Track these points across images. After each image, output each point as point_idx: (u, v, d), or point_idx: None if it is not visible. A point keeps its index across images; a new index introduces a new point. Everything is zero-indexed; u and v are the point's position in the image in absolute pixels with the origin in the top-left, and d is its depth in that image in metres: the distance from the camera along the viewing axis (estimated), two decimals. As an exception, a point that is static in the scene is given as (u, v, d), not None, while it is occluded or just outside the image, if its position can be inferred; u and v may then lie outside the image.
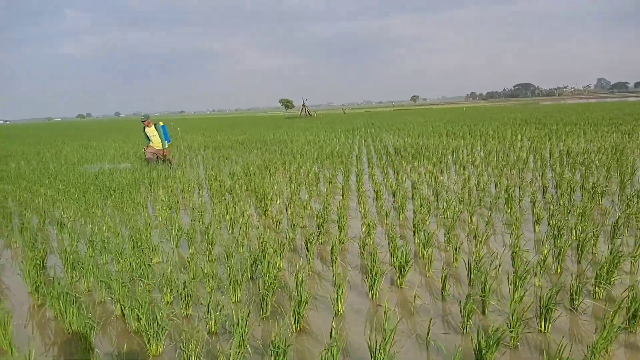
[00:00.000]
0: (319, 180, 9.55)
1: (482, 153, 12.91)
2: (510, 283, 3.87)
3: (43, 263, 5.14)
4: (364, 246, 5.17)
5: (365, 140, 18.84)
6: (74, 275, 4.80)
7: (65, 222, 6.70)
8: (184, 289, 3.85)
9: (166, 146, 12.90)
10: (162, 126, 12.87)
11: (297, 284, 3.86)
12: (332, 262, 4.76)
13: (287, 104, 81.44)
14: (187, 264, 4.73)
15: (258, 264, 4.63)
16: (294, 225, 5.92)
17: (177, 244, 5.81)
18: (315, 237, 5.26)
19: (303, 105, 65.74)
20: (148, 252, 5.28)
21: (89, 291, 4.53)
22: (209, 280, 4.31)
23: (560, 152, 12.10)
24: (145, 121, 12.66)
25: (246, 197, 8.49)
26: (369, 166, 11.43)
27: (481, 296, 3.64)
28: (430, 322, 3.37)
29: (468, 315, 3.37)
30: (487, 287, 3.64)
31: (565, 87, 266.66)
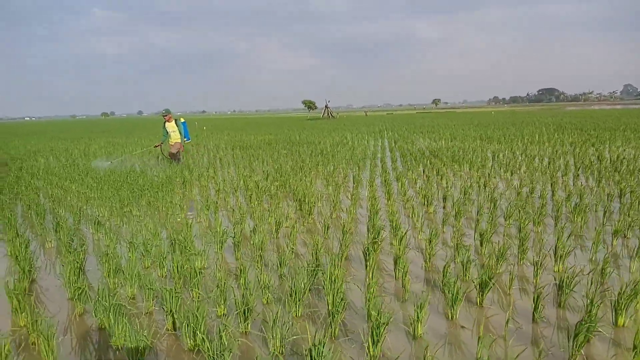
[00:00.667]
0: (358, 182, 9.10)
1: (524, 157, 12.30)
2: (612, 305, 3.38)
3: (82, 266, 4.79)
4: (429, 257, 4.71)
5: (396, 142, 18.31)
6: (116, 281, 4.44)
7: (102, 222, 6.38)
8: (243, 303, 3.45)
9: (185, 142, 12.89)
10: (183, 122, 12.82)
11: (367, 300, 3.43)
12: (398, 276, 4.32)
13: (309, 105, 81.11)
14: (239, 272, 4.32)
15: (315, 274, 4.21)
16: (346, 231, 5.49)
17: (221, 247, 5.43)
18: (372, 246, 4.81)
19: (326, 106, 65.40)
20: (193, 257, 4.90)
21: (132, 299, 4.17)
22: (264, 291, 3.90)
23: (610, 158, 11.44)
24: (166, 116, 12.60)
25: (284, 198, 8.09)
26: (408, 169, 10.94)
27: (587, 322, 3.16)
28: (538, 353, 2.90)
29: (579, 346, 2.89)
30: (593, 311, 3.16)
31: (590, 93, 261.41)
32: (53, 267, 5.13)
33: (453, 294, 3.54)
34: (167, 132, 12.77)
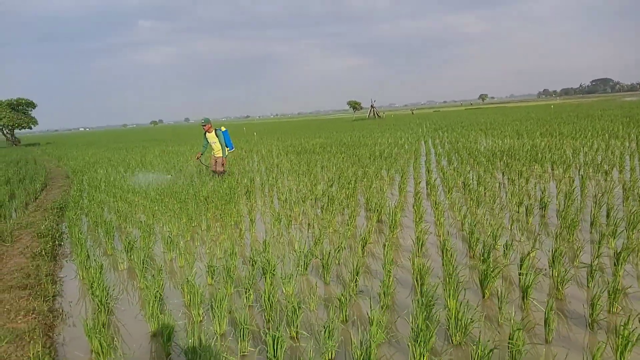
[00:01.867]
0: (432, 188, 8.36)
1: (611, 155, 11.16)
2: None
3: (160, 295, 4.35)
4: (559, 284, 3.95)
5: (456, 142, 17.33)
6: (201, 313, 3.96)
7: (173, 239, 5.97)
8: (362, 350, 2.86)
9: (227, 154, 11.55)
10: (225, 132, 11.55)
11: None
12: (527, 308, 3.60)
13: (354, 106, 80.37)
14: (339, 303, 3.74)
15: (430, 308, 3.56)
16: (446, 249, 4.81)
17: (305, 269, 4.87)
18: (488, 271, 4.10)
19: (371, 106, 64.48)
20: (282, 282, 4.36)
21: (222, 336, 3.66)
22: (378, 331, 3.29)
23: None
24: (205, 126, 11.39)
25: (356, 208, 7.48)
26: (485, 171, 10.09)
27: None
28: None
29: None
30: None
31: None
32: (129, 295, 4.72)
33: (621, 338, 2.81)
34: (208, 142, 11.63)
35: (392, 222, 6.11)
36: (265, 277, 4.60)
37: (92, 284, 4.53)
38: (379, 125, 38.96)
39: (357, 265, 4.29)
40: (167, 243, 5.86)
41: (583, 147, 12.80)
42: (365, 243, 5.33)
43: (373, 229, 6.06)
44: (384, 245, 5.10)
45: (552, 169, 10.02)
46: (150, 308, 3.78)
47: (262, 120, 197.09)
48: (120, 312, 4.28)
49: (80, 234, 6.42)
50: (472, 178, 9.25)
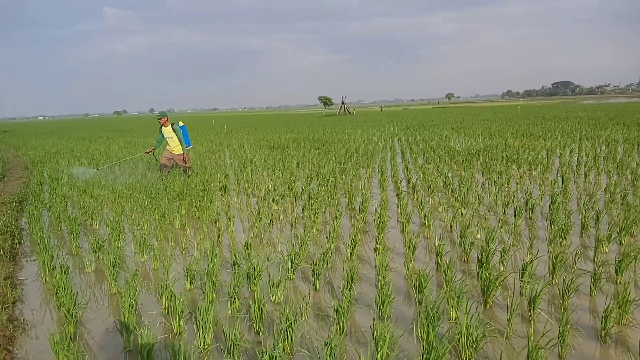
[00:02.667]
0: (414, 187, 8.17)
1: (584, 156, 11.29)
2: None
3: (135, 304, 3.94)
4: (564, 294, 3.77)
5: (430, 140, 17.28)
6: (181, 325, 3.59)
7: (146, 239, 5.52)
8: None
9: (186, 150, 10.68)
10: (182, 126, 10.67)
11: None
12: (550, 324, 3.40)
13: (325, 102, 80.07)
14: (336, 314, 3.44)
15: (435, 320, 3.32)
16: (440, 253, 4.58)
17: (293, 274, 4.56)
18: (492, 280, 3.89)
19: (342, 102, 64.39)
20: (269, 290, 4.03)
21: (206, 349, 3.31)
22: (385, 350, 3.01)
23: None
24: (161, 119, 10.44)
25: (338, 207, 7.20)
26: (464, 170, 9.99)
27: None
28: None
29: None
30: None
31: (607, 86, 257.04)
32: (98, 302, 4.29)
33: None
34: (163, 137, 10.67)
35: (379, 223, 5.86)
36: (250, 283, 4.28)
37: (57, 289, 4.09)
38: (350, 122, 38.86)
39: (350, 271, 4.00)
40: (140, 243, 5.42)
41: (556, 149, 12.93)
42: (355, 245, 5.05)
43: (360, 230, 5.80)
44: (375, 248, 4.85)
45: (530, 170, 10.01)
46: (126, 319, 3.39)
47: (229, 113, 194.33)
48: (90, 323, 3.86)
49: (42, 231, 5.90)
50: (452, 177, 9.12)
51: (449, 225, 6.02)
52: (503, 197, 7.12)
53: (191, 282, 4.45)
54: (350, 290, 3.95)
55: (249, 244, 5.14)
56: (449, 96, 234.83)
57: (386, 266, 4.19)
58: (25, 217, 7.41)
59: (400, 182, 9.13)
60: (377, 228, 5.84)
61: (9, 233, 6.28)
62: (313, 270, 4.29)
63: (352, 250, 5.04)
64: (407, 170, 10.42)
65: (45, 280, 4.83)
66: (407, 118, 42.07)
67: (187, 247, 5.65)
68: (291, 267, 4.53)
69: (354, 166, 11.16)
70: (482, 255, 4.32)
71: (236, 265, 4.67)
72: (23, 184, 11.24)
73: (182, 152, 10.64)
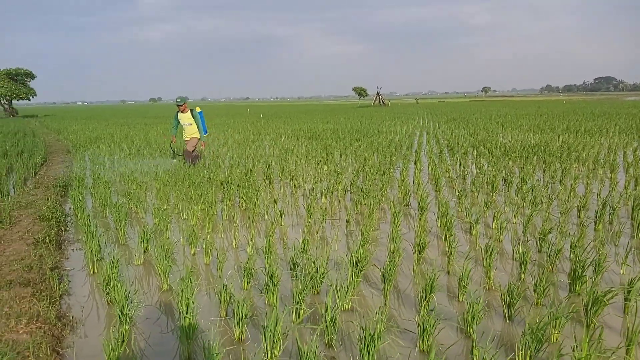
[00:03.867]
0: (474, 185, 7.63)
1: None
2: None
3: (191, 304, 3.60)
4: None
5: (476, 134, 16.49)
6: (243, 331, 3.23)
7: (195, 231, 5.20)
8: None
9: (204, 137, 10.51)
10: (200, 112, 10.45)
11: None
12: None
13: (360, 92, 79.14)
14: (420, 331, 3.01)
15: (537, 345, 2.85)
16: (526, 262, 4.08)
17: (357, 279, 4.13)
18: (596, 294, 3.38)
19: (377, 93, 63.45)
20: (336, 295, 3.62)
21: (274, 365, 2.93)
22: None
23: None
24: (181, 105, 10.13)
25: (395, 204, 6.73)
26: (522, 168, 9.34)
27: None
28: None
29: None
30: None
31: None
32: (151, 299, 3.98)
33: None
34: (179, 124, 10.43)
35: (444, 223, 5.38)
36: (313, 287, 3.89)
37: (107, 284, 3.80)
38: (387, 113, 38.09)
39: (429, 280, 3.55)
40: (189, 235, 5.10)
41: (618, 147, 12.07)
42: (423, 248, 4.60)
43: (423, 229, 5.33)
44: (448, 253, 4.37)
45: (595, 169, 9.29)
46: (184, 323, 3.05)
47: (262, 103, 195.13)
48: (143, 323, 3.55)
49: (89, 218, 5.67)
50: (511, 175, 8.51)
51: (522, 228, 5.48)
52: (575, 199, 6.53)
53: (248, 282, 4.09)
54: (428, 302, 3.52)
55: (305, 241, 4.75)
56: (485, 89, 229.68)
57: (468, 274, 3.71)
58: (70, 203, 7.24)
59: (457, 178, 8.59)
60: (443, 229, 5.36)
61: (54, 219, 6.08)
62: (383, 276, 3.86)
63: (420, 253, 4.59)
64: (459, 165, 9.85)
65: (93, 272, 4.57)
66: (446, 111, 40.97)
67: (237, 241, 5.31)
68: (356, 271, 4.11)
69: (402, 159, 10.65)
70: (576, 266, 3.80)
71: (295, 265, 4.29)
72: (66, 167, 11.19)
73: (196, 137, 10.46)
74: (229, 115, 42.96)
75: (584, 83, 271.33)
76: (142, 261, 4.86)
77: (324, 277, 3.91)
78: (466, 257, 4.37)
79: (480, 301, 3.21)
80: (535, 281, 3.65)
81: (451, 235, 4.94)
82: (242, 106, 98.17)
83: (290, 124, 25.96)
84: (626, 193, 6.92)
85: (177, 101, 10.16)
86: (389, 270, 3.85)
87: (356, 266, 4.09)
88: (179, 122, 10.42)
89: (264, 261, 4.52)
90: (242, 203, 6.97)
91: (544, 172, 8.97)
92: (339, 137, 16.40)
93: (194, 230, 5.07)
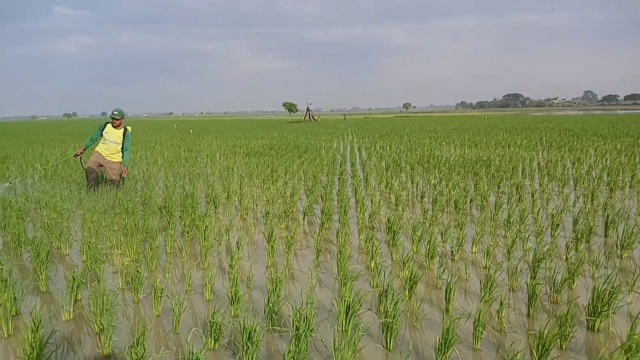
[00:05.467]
0: (436, 204, 7.25)
1: (595, 168, 10.74)
2: None
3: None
4: None
5: (415, 150, 16.45)
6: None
7: (140, 274, 4.28)
8: None
9: (127, 163, 9.16)
10: (129, 133, 9.17)
11: None
12: None
13: (290, 108, 78.88)
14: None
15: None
16: (537, 296, 3.62)
17: (348, 327, 3.46)
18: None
19: (308, 109, 63.53)
20: (333, 354, 2.92)
21: None
22: None
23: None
24: (118, 119, 8.82)
25: (364, 228, 6.16)
26: (475, 186, 9.16)
27: None
28: None
29: None
30: None
31: (555, 99, 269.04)
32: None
33: None
34: (103, 138, 8.90)
35: (427, 251, 4.85)
36: (298, 343, 3.15)
37: (28, 355, 2.85)
38: (320, 129, 37.91)
39: (446, 330, 2.95)
40: (130, 276, 4.17)
41: (556, 160, 12.39)
42: (414, 283, 4.01)
43: (410, 260, 4.75)
44: (447, 289, 3.81)
45: (548, 184, 9.28)
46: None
47: (186, 118, 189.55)
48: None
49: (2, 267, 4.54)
50: (472, 192, 8.25)
51: (505, 251, 5.08)
52: (545, 216, 6.31)
53: (216, 340, 3.28)
54: (446, 356, 2.92)
55: (276, 280, 4.00)
56: (406, 106, 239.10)
57: (482, 323, 3.16)
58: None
59: (416, 197, 8.19)
60: (426, 257, 4.83)
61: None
62: (385, 326, 3.21)
63: (411, 289, 4.01)
64: (412, 182, 9.50)
65: (8, 334, 3.54)
66: (375, 127, 41.49)
67: (190, 282, 4.44)
68: (347, 319, 3.44)
69: (352, 177, 10.16)
70: (596, 299, 3.38)
71: (270, 314, 3.54)
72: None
73: (119, 162, 9.02)
74: (154, 130, 40.84)
75: (494, 99, 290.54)
76: (71, 315, 3.87)
77: (313, 330, 3.19)
78: (460, 291, 3.84)
79: (513, 348, 2.65)
80: (559, 322, 3.17)
81: (441, 266, 4.41)
82: (166, 121, 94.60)
83: (222, 139, 24.88)
84: (592, 208, 6.82)
85: (113, 114, 8.81)
86: (392, 317, 3.21)
87: (347, 313, 3.42)
88: (102, 135, 8.94)
89: (230, 310, 3.74)
90: (187, 232, 6.07)
91: (498, 188, 8.82)
92: (279, 154, 15.71)
93: (137, 271, 4.14)
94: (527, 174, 10.23)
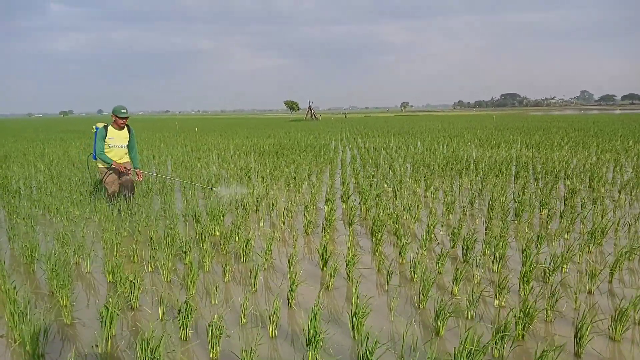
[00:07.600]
0: (479, 208, 6.52)
1: (620, 170, 10.03)
2: None
3: None
4: None
5: (434, 150, 15.72)
6: None
7: (176, 303, 3.53)
8: None
9: (139, 164, 7.80)
10: (133, 130, 7.82)
11: None
12: None
13: (292, 106, 77.97)
14: None
15: None
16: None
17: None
18: None
19: (310, 107, 62.78)
20: None
21: None
22: None
23: None
24: (123, 118, 7.29)
25: (414, 239, 5.42)
26: (522, 188, 8.43)
27: None
28: None
29: None
30: None
31: (552, 99, 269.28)
32: None
33: None
34: (109, 145, 7.34)
35: (522, 273, 4.10)
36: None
37: None
38: (324, 127, 37.15)
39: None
40: (178, 310, 3.41)
41: (602, 164, 11.66)
42: (527, 324, 3.26)
43: (503, 281, 4.00)
44: (577, 327, 3.06)
45: (610, 189, 8.54)
46: None
47: (183, 116, 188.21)
48: None
49: (14, 288, 3.75)
50: (519, 197, 7.52)
51: (608, 274, 4.34)
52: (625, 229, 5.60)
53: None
54: None
55: (357, 314, 3.24)
56: (404, 105, 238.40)
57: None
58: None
59: (470, 203, 7.42)
60: (521, 280, 4.08)
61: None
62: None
63: (523, 330, 3.26)
64: (452, 187, 8.77)
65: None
66: (379, 125, 40.69)
67: (246, 313, 3.67)
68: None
69: (381, 178, 9.43)
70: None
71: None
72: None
73: (127, 161, 7.58)
74: (154, 129, 40.00)
75: (492, 99, 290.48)
76: (108, 354, 3.11)
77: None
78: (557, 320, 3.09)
79: None
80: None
81: (552, 297, 3.65)
82: (164, 119, 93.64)
83: (228, 138, 24.08)
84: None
85: (121, 112, 7.20)
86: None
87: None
88: (106, 142, 7.29)
89: (308, 356, 2.99)
90: (223, 244, 5.31)
91: (550, 192, 8.07)
92: (293, 153, 14.95)
93: (188, 304, 3.37)
94: (572, 177, 9.50)
